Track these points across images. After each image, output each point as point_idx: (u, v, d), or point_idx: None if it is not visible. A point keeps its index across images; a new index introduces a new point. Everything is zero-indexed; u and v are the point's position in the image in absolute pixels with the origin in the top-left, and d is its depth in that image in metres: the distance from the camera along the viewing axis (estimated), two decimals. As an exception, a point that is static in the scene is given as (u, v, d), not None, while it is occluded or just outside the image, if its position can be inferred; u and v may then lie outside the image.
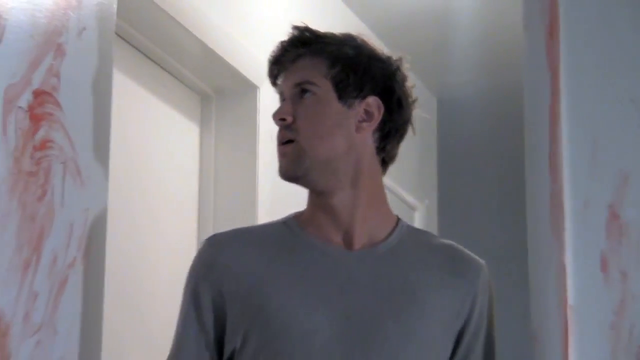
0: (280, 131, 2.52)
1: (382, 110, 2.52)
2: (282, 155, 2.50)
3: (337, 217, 2.51)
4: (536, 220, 2.62)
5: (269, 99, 4.28)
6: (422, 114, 2.66)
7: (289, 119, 2.47)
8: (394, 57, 2.61)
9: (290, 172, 2.49)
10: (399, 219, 2.62)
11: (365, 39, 2.59)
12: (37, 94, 2.48)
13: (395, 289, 2.46)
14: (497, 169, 3.76)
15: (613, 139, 2.53)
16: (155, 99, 3.95)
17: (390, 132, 2.57)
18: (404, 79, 2.60)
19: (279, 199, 4.23)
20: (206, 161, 4.23)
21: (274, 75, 2.58)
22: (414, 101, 2.60)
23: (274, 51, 2.57)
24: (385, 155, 2.60)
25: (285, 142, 2.49)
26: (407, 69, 2.64)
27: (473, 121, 5.25)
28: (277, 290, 2.43)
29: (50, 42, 2.55)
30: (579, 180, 2.52)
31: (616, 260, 2.46)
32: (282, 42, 2.55)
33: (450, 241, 2.65)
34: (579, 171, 2.52)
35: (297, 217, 2.60)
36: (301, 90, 2.48)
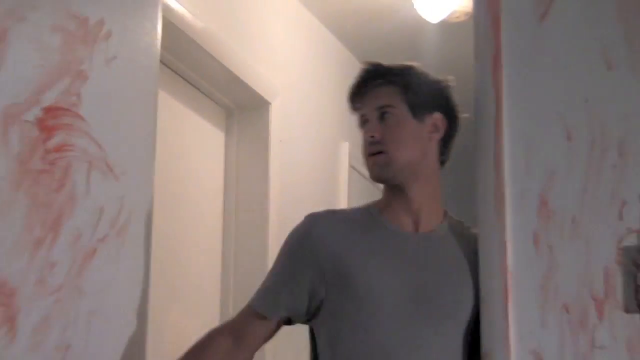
0: (370, 145, 2.54)
1: (445, 122, 2.59)
2: (373, 164, 2.54)
3: (409, 206, 2.55)
4: (483, 206, 2.59)
5: (278, 113, 4.27)
6: (464, 115, 2.69)
7: (377, 136, 2.51)
8: (444, 80, 2.64)
9: (382, 176, 2.54)
10: (445, 210, 2.67)
11: (421, 67, 2.64)
12: (49, 109, 2.44)
13: (451, 265, 2.53)
14: (453, 166, 3.70)
15: (542, 143, 2.54)
16: (189, 112, 3.91)
17: (450, 138, 2.63)
18: (453, 96, 2.65)
19: (285, 192, 4.21)
20: (230, 162, 4.18)
21: (355, 101, 2.61)
22: (460, 111, 2.65)
23: (355, 83, 2.61)
24: (444, 157, 2.66)
25: (374, 153, 2.52)
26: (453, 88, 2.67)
27: None
28: (357, 260, 2.47)
29: (67, 69, 2.52)
30: (516, 175, 2.54)
31: (545, 237, 2.48)
32: (362, 76, 2.60)
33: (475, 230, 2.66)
34: (516, 168, 2.54)
35: (376, 205, 2.64)
36: (382, 113, 2.51)
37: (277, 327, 2.59)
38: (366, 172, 5.53)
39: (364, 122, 2.58)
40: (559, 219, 2.48)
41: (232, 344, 2.54)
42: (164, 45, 3.07)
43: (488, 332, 2.52)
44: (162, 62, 3.11)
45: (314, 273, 2.54)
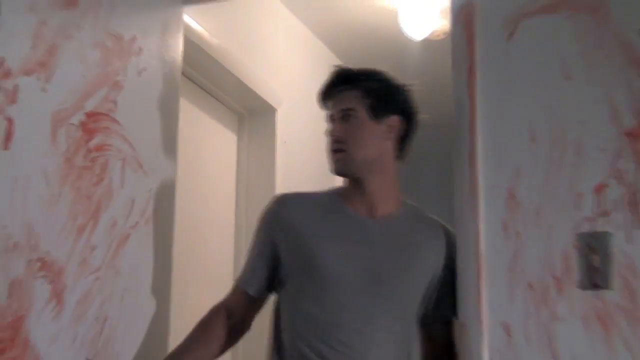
0: (332, 143, 2.50)
1: (401, 124, 2.53)
2: (335, 160, 2.50)
3: (366, 195, 2.49)
4: (459, 198, 2.59)
5: (283, 118, 4.27)
6: (423, 116, 2.64)
7: (339, 135, 2.48)
8: (406, 85, 2.59)
9: (342, 171, 2.49)
10: (401, 199, 2.60)
11: (386, 72, 2.59)
12: (91, 114, 2.47)
13: (403, 246, 2.47)
14: (435, 165, 3.69)
15: (510, 144, 2.54)
16: (206, 117, 3.90)
17: (405, 139, 2.57)
18: (412, 99, 2.60)
19: (289, 185, 4.14)
20: (241, 160, 4.17)
21: (324, 103, 2.58)
22: (418, 113, 2.60)
23: (324, 86, 2.57)
24: (401, 154, 2.59)
25: (336, 150, 2.49)
26: (413, 92, 2.63)
27: (420, 132, 5.21)
28: (318, 240, 2.43)
29: (105, 79, 2.55)
30: (488, 172, 2.54)
31: (512, 225, 2.48)
32: (330, 80, 2.56)
33: (431, 214, 2.63)
34: (487, 166, 2.54)
35: (337, 192, 2.58)
36: (345, 115, 2.48)
37: (261, 298, 2.58)
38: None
39: (331, 121, 2.55)
40: (525, 209, 2.48)
41: (226, 318, 2.53)
42: (185, 60, 3.09)
43: (463, 306, 2.52)
44: (183, 74, 3.10)
45: (279, 249, 2.50)
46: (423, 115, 2.65)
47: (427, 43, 4.73)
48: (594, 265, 2.40)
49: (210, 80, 3.83)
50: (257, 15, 4.17)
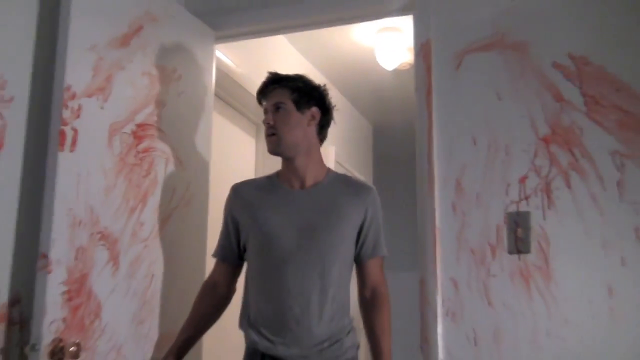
0: (267, 129, 2.42)
1: (319, 114, 2.45)
2: (269, 142, 2.42)
3: (296, 171, 2.41)
4: (421, 187, 2.60)
5: None
6: (335, 108, 2.56)
7: (272, 123, 2.39)
8: (323, 85, 2.52)
9: (275, 151, 2.41)
10: (329, 169, 2.51)
11: (308, 77, 2.53)
12: (140, 125, 2.47)
13: (327, 206, 2.37)
14: (404, 161, 3.71)
15: (458, 147, 2.53)
16: (232, 126, 3.85)
17: (324, 125, 2.48)
18: (328, 96, 2.52)
19: None
20: (258, 159, 4.10)
21: (260, 99, 2.50)
22: (333, 107, 2.52)
23: (260, 87, 2.50)
24: (322, 137, 2.50)
25: (270, 135, 2.41)
26: (328, 90, 2.56)
27: (396, 139, 5.12)
28: (262, 211, 2.37)
29: (151, 99, 2.55)
30: (441, 167, 2.53)
31: (459, 206, 2.48)
32: (265, 82, 2.48)
33: (356, 179, 2.53)
34: (441, 163, 2.53)
35: (275, 174, 2.50)
36: (277, 107, 2.40)
37: (235, 265, 2.49)
38: (349, 167, 5.46)
39: (265, 112, 2.45)
40: (468, 194, 2.48)
41: (212, 287, 2.45)
42: (216, 84, 3.07)
43: (423, 266, 2.53)
44: (215, 94, 3.10)
45: (237, 223, 2.44)
46: (336, 108, 2.58)
47: (397, 72, 4.71)
48: (518, 236, 2.42)
49: (235, 98, 3.80)
50: (270, 51, 4.13)
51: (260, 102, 2.49)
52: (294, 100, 2.41)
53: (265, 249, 2.32)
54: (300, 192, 2.39)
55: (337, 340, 2.28)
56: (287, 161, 2.44)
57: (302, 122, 2.41)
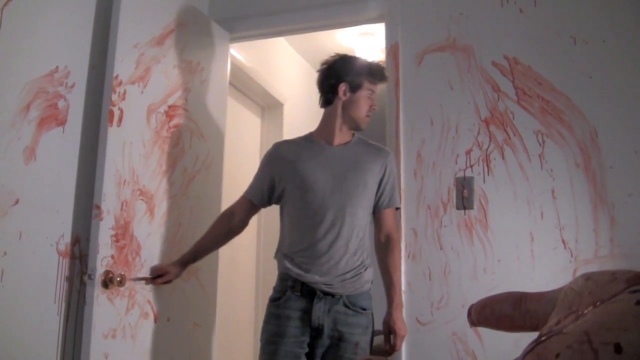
0: (370, 110, 2.28)
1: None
2: (367, 122, 2.30)
3: (330, 131, 2.28)
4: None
5: (288, 110, 4.18)
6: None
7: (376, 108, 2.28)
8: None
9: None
10: (354, 134, 2.32)
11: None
12: (171, 106, 2.44)
13: (355, 159, 2.24)
14: (378, 138, 3.63)
15: (418, 126, 2.51)
16: (242, 108, 3.82)
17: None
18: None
19: None
20: (263, 135, 4.07)
21: (379, 82, 2.29)
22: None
23: (384, 73, 2.30)
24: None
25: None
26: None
27: (371, 120, 5.12)
28: (300, 163, 2.23)
29: (180, 86, 2.51)
30: (406, 142, 2.52)
31: (419, 172, 2.47)
32: (383, 70, 2.30)
33: (376, 143, 2.33)
34: (406, 138, 2.52)
35: (312, 133, 2.35)
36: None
37: (255, 205, 2.35)
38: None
39: (373, 95, 2.29)
40: (426, 163, 2.47)
41: (229, 215, 2.34)
42: (230, 75, 3.05)
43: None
44: (230, 83, 3.09)
45: (275, 178, 2.29)
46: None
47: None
48: (464, 195, 2.41)
49: (245, 86, 3.74)
50: (273, 49, 4.09)
51: (375, 82, 2.28)
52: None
53: (304, 190, 2.20)
54: (333, 148, 2.28)
55: (357, 273, 2.17)
56: (350, 129, 2.31)
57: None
